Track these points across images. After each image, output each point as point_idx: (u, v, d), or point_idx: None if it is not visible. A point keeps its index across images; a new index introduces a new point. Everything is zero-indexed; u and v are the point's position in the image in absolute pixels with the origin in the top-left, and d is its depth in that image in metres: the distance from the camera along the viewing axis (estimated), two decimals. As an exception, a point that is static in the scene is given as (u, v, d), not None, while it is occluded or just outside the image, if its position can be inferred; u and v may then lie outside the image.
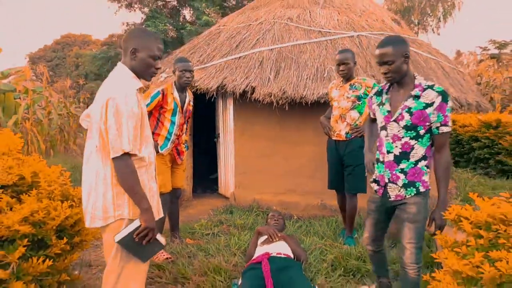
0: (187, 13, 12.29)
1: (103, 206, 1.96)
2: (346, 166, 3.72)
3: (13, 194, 2.42)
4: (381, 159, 2.39)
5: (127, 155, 1.89)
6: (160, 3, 12.12)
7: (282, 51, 4.82)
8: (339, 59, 3.58)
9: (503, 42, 21.58)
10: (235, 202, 5.13)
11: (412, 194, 2.28)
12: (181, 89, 3.69)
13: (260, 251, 3.25)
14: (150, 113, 3.61)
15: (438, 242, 1.96)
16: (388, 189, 2.36)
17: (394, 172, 2.31)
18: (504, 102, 12.61)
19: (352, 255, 3.44)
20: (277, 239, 3.32)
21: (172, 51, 6.32)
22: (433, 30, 24.21)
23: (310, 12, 5.56)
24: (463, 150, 8.60)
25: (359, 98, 3.59)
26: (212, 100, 5.35)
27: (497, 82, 14.38)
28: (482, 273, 1.57)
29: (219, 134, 5.94)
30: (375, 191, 2.46)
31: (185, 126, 3.76)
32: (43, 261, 2.12)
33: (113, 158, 1.89)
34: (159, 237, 2.04)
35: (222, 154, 5.84)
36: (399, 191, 2.31)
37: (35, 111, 9.41)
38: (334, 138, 3.79)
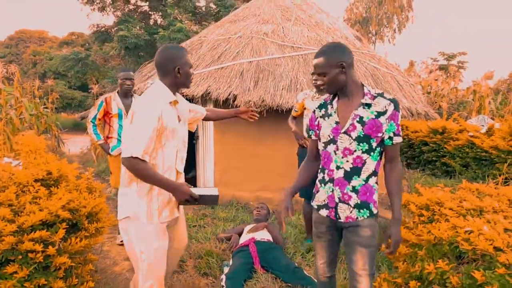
0: (158, 17, 12.63)
1: (121, 204, 2.33)
2: None
3: (42, 186, 2.85)
4: (327, 178, 2.13)
5: (135, 159, 2.07)
6: (131, 7, 12.37)
7: (260, 63, 5.41)
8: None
9: (451, 54, 23.42)
10: (215, 198, 5.64)
11: (366, 217, 2.06)
12: (124, 95, 4.14)
13: (246, 237, 3.82)
14: (104, 121, 4.20)
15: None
16: (338, 210, 2.10)
17: (345, 191, 2.07)
18: (450, 111, 13.88)
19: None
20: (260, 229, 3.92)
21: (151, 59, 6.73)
22: (389, 40, 25.80)
23: (283, 28, 6.20)
24: (414, 153, 9.58)
25: None
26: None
27: (445, 91, 15.75)
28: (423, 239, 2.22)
29: (198, 136, 6.44)
30: (326, 215, 2.17)
31: None
32: (80, 241, 2.58)
33: (122, 158, 2.11)
34: (203, 192, 2.25)
35: (201, 154, 6.34)
36: (350, 212, 2.07)
37: (7, 111, 9.43)
38: None
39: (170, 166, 2.32)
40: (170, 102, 2.28)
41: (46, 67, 31.19)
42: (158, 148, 2.22)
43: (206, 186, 2.01)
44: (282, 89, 5.09)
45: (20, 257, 2.40)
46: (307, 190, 3.45)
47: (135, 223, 2.24)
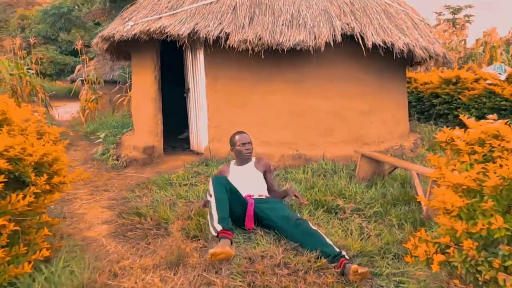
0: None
1: None
2: None
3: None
4: None
5: None
6: None
7: (256, -3, 4.66)
8: None
9: (457, 7, 22.22)
10: (210, 155, 5.05)
11: None
12: None
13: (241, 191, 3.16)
14: None
15: (432, 163, 1.99)
16: None
17: None
18: (459, 63, 13.12)
19: (332, 194, 3.51)
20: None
21: None
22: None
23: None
24: (424, 107, 8.93)
25: None
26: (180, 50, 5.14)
27: (453, 44, 14.90)
28: (482, 183, 1.62)
29: (189, 88, 5.76)
30: None
31: None
32: (24, 198, 1.97)
33: None
34: None
35: (193, 108, 5.69)
36: None
37: (-17, 70, 8.68)
38: None
39: None
40: None
41: (34, 32, 29.89)
42: None
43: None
44: (282, 25, 4.36)
45: None
46: None
47: None
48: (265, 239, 2.78)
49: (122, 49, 6.25)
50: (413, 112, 8.82)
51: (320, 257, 2.40)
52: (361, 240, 2.75)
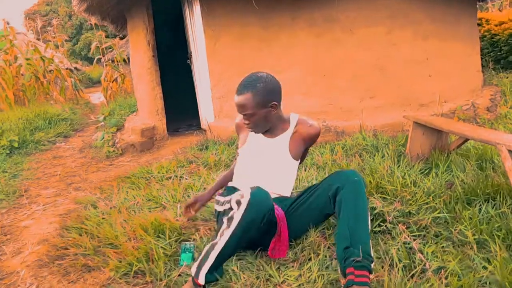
0: None
1: None
2: None
3: None
4: None
5: None
6: None
7: None
8: None
9: None
10: (211, 135, 3.97)
11: None
12: None
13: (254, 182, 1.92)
14: None
15: None
16: None
17: None
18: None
19: (367, 187, 2.28)
20: None
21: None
22: None
23: None
24: (500, 53, 7.10)
25: None
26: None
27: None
28: None
29: (191, 53, 4.66)
30: None
31: None
32: None
33: None
34: None
35: (197, 77, 4.61)
36: None
37: (-4, 56, 8.21)
38: None
39: None
40: None
41: (81, 18, 30.15)
42: None
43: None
44: None
45: None
46: None
47: None
48: (255, 273, 1.66)
49: (116, 14, 5.27)
50: (486, 61, 7.05)
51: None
52: (410, 278, 1.53)
